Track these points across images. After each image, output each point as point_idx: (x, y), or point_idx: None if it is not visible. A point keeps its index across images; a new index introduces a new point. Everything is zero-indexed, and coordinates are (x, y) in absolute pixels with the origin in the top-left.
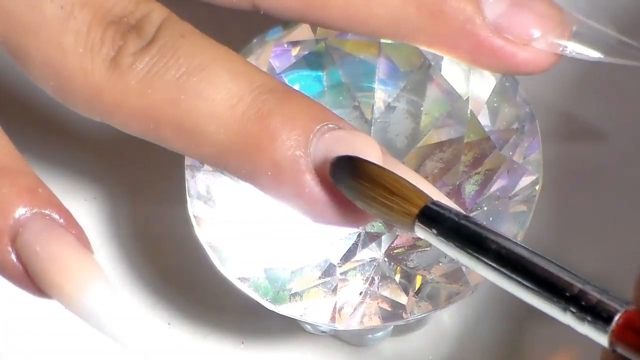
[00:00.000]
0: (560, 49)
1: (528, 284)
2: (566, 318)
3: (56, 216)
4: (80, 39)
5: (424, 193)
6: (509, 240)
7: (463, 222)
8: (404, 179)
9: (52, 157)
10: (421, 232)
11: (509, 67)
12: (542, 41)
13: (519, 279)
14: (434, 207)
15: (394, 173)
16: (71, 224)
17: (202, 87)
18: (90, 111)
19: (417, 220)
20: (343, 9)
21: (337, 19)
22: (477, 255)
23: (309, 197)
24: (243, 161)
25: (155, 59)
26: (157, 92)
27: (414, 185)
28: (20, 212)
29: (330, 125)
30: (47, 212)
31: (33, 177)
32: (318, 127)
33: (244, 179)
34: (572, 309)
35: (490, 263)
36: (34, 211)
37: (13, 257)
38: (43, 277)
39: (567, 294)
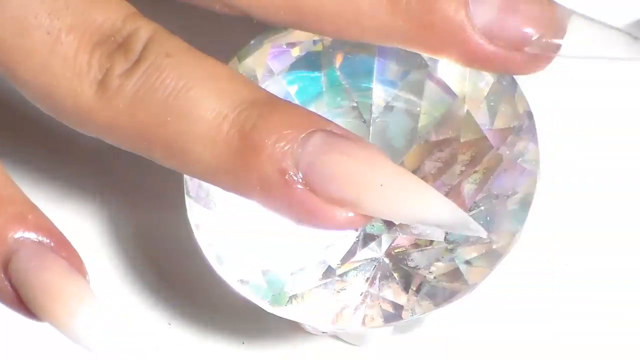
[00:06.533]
0: (555, 49)
1: None
2: None
3: (46, 240)
4: (68, 64)
5: None
6: None
7: None
8: None
9: (51, 158)
10: None
11: (503, 70)
12: (534, 44)
13: None
14: None
15: None
16: (62, 247)
17: (189, 108)
18: (84, 130)
19: None
20: (334, 23)
21: (329, 30)
22: None
23: (301, 205)
24: (232, 178)
25: (142, 80)
26: (146, 114)
27: None
28: (10, 239)
29: (315, 131)
30: (37, 237)
31: (23, 203)
32: (302, 135)
33: (237, 194)
34: None
35: None
36: (23, 238)
37: (6, 283)
38: (34, 303)
39: None
